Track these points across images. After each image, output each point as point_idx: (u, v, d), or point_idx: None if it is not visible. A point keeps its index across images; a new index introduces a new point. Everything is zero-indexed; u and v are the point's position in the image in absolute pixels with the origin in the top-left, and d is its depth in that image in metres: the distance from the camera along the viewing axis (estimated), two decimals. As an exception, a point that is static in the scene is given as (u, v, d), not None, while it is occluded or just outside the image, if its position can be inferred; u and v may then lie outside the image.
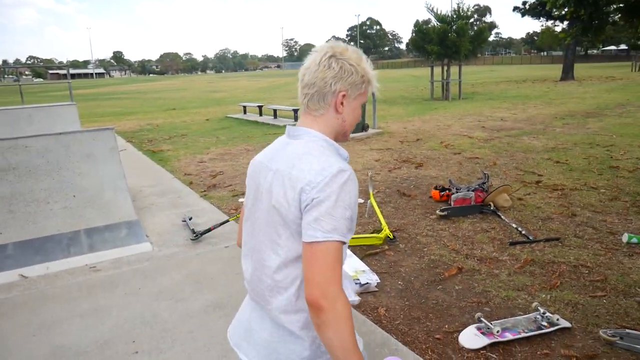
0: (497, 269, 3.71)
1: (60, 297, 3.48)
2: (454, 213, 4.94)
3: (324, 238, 1.10)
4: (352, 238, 1.34)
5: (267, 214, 1.24)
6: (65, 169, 4.66)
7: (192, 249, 4.34)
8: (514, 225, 4.56)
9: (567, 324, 2.86)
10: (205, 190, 6.40)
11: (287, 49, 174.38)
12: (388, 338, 2.82)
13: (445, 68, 19.21)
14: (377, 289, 3.45)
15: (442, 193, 5.41)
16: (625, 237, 4.12)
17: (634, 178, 6.09)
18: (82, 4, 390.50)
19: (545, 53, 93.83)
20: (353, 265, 3.75)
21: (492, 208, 4.99)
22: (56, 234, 4.44)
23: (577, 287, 3.38)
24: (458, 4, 19.29)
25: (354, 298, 3.52)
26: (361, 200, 5.41)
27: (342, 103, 1.26)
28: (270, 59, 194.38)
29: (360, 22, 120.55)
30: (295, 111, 13.41)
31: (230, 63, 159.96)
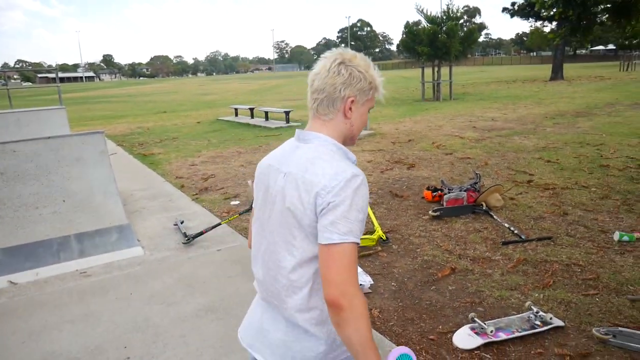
0: (490, 269, 3.72)
1: (50, 303, 3.43)
2: (447, 213, 4.94)
3: (340, 240, 1.14)
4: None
5: (281, 216, 1.28)
6: (55, 173, 4.61)
7: (184, 252, 4.30)
8: (506, 225, 4.57)
9: (560, 323, 2.87)
10: (196, 194, 6.36)
11: (278, 51, 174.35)
12: (382, 339, 2.81)
13: (436, 69, 19.29)
14: (370, 291, 3.44)
15: (435, 193, 5.42)
16: (616, 236, 4.14)
17: (624, 176, 6.14)
18: (69, 6, 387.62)
19: (534, 53, 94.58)
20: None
21: (484, 208, 5.00)
22: (45, 240, 4.38)
23: (569, 285, 3.39)
24: (448, 5, 19.34)
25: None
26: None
27: (350, 108, 1.29)
28: (261, 61, 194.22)
29: (350, 24, 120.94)
30: (287, 113, 13.41)
31: (221, 65, 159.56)
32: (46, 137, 4.64)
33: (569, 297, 3.23)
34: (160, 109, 21.41)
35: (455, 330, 2.86)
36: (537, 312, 2.91)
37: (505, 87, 24.45)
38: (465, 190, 5.19)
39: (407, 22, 20.36)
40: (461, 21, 21.07)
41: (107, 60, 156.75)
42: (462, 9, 20.49)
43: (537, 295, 3.28)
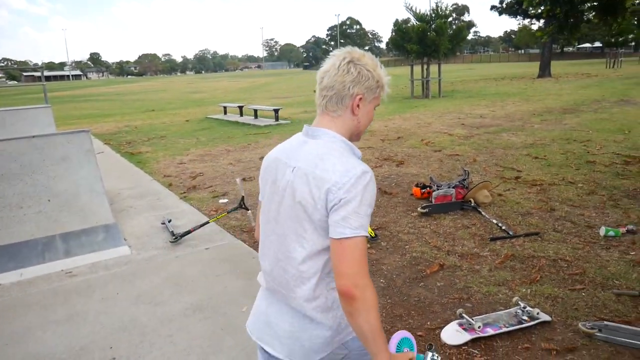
0: (478, 265, 3.73)
1: (34, 304, 3.38)
2: (435, 210, 4.96)
3: (352, 234, 1.19)
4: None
5: (291, 209, 1.32)
6: (40, 172, 4.55)
7: (172, 251, 4.27)
8: (494, 221, 4.59)
9: (547, 318, 2.89)
10: (185, 192, 6.31)
11: (267, 49, 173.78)
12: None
13: (425, 66, 19.33)
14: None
15: (423, 190, 5.43)
16: (602, 231, 4.18)
17: (610, 172, 6.20)
18: (56, 4, 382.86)
19: (522, 51, 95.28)
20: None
21: (472, 204, 5.02)
22: (30, 240, 4.32)
23: (556, 280, 3.41)
24: (437, 3, 19.32)
25: None
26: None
27: (358, 106, 1.34)
28: (250, 59, 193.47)
29: (340, 22, 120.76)
30: (276, 111, 13.36)
31: (210, 64, 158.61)
32: (30, 136, 4.57)
33: (555, 292, 3.25)
34: (149, 108, 21.24)
35: (444, 327, 2.87)
36: (524, 308, 2.93)
37: (493, 84, 24.59)
38: (453, 187, 5.20)
39: (397, 20, 20.36)
40: (450, 19, 21.14)
41: (95, 58, 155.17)
42: (451, 6, 20.58)
43: (524, 290, 3.29)
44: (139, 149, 9.92)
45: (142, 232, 4.80)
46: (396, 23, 20.16)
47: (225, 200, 5.85)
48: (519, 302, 3.00)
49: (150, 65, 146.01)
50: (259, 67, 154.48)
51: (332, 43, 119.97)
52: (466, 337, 2.72)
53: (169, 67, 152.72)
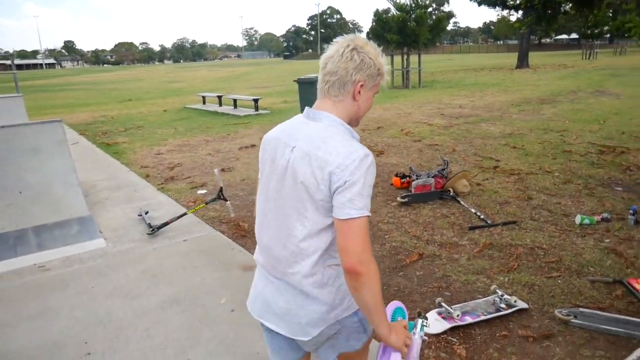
0: (457, 254, 3.76)
1: (5, 299, 3.28)
2: (415, 199, 4.97)
3: (357, 215, 1.26)
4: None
5: (293, 189, 1.36)
6: (9, 164, 4.41)
7: (149, 243, 4.19)
8: (472, 210, 4.63)
9: (524, 305, 2.92)
10: (162, 183, 6.20)
11: (247, 38, 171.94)
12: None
13: (405, 57, 19.36)
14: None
15: (403, 180, 5.44)
16: (577, 219, 4.25)
17: (585, 161, 6.31)
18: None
19: (501, 42, 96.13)
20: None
21: (451, 194, 5.05)
22: (1, 233, 4.21)
23: (533, 268, 3.46)
24: (416, -8, 19.38)
25: None
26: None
27: (359, 92, 1.39)
28: (230, 48, 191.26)
29: (320, 11, 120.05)
30: (256, 101, 13.22)
31: (188, 53, 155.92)
32: (-1, 126, 4.42)
33: (532, 279, 3.29)
34: (126, 97, 20.81)
35: (423, 316, 2.87)
36: (502, 296, 2.96)
37: (472, 74, 24.79)
38: (433, 177, 5.22)
39: (377, 10, 20.30)
40: (430, 9, 21.15)
41: (69, 46, 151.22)
42: (431, -4, 20.54)
43: (502, 278, 3.33)
44: (116, 140, 9.72)
45: (118, 224, 4.70)
46: (376, 13, 20.11)
47: (204, 191, 5.77)
48: (497, 290, 3.02)
49: (127, 54, 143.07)
50: (238, 56, 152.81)
51: (313, 33, 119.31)
52: (445, 325, 2.74)
53: (147, 56, 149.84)
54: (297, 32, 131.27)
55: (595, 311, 2.81)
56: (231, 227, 4.53)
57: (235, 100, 14.17)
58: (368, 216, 1.29)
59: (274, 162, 1.43)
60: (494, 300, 2.96)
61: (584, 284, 3.20)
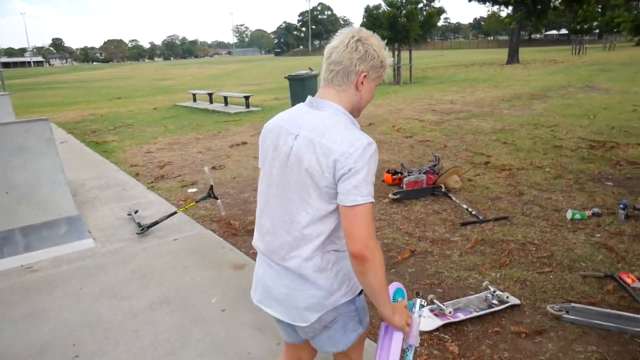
0: (448, 250, 3.75)
1: (-9, 301, 3.22)
2: (406, 196, 4.96)
3: (363, 201, 1.29)
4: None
5: (297, 176, 1.39)
6: (-5, 163, 4.33)
7: (138, 243, 4.14)
8: (464, 206, 4.62)
9: (516, 301, 2.91)
10: (152, 182, 6.14)
11: (237, 34, 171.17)
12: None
13: (396, 53, 19.35)
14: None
15: (395, 176, 5.43)
16: (569, 214, 4.26)
17: (576, 156, 6.33)
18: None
19: (491, 38, 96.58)
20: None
21: (443, 190, 5.04)
22: (-13, 234, 4.13)
23: (525, 264, 3.46)
24: (407, -12, 19.36)
25: None
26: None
27: (362, 82, 1.43)
28: (220, 45, 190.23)
29: (311, 7, 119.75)
30: (247, 98, 13.15)
31: (179, 50, 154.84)
32: (-16, 124, 4.34)
33: (524, 275, 3.29)
34: (115, 95, 20.62)
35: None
36: (494, 292, 2.95)
37: (463, 70, 24.85)
38: (424, 173, 5.21)
39: (368, 6, 20.28)
40: (420, 5, 21.15)
41: (57, 44, 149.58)
42: (421, -8, 20.53)
43: (494, 274, 3.32)
44: (105, 138, 9.62)
45: (107, 223, 4.64)
46: (367, 9, 20.09)
47: (194, 190, 5.72)
48: (489, 286, 3.02)
49: (116, 52, 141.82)
50: (229, 53, 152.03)
51: (304, 29, 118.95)
52: (437, 322, 2.72)
53: (136, 53, 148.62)
54: (288, 28, 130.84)
55: (587, 306, 2.81)
56: (222, 226, 4.49)
57: (226, 98, 14.09)
58: (372, 202, 1.32)
59: (277, 149, 1.45)
60: (486, 297, 2.95)
61: (575, 279, 3.21)
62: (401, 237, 4.03)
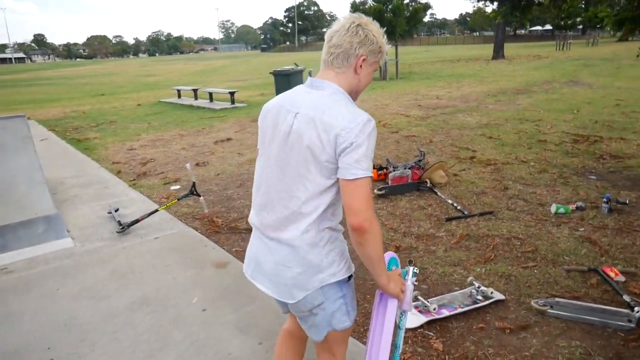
0: (434, 246, 3.72)
1: (-36, 304, 3.12)
2: (392, 191, 4.92)
3: (363, 175, 1.34)
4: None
5: (298, 153, 1.42)
6: (-31, 161, 4.20)
7: (119, 242, 4.05)
8: (449, 201, 4.60)
9: (501, 297, 2.89)
10: (134, 179, 6.03)
11: (223, 30, 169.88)
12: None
13: (382, 48, 19.34)
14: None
15: (380, 172, 5.39)
16: (553, 208, 4.26)
17: (560, 151, 6.36)
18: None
19: (477, 33, 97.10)
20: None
21: (428, 185, 5.02)
22: (-40, 234, 4.00)
23: (509, 259, 3.44)
24: (393, -17, 19.35)
25: None
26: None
27: (361, 66, 1.48)
28: (206, 41, 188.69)
29: (297, 3, 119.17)
30: (232, 94, 13.03)
31: (164, 46, 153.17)
32: (-44, 121, 4.20)
33: (509, 270, 3.27)
34: (98, 92, 20.31)
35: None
36: (478, 287, 2.93)
37: (449, 66, 24.91)
38: (410, 168, 5.19)
39: (354, 2, 20.25)
40: (406, 0, 21.16)
41: (39, 40, 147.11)
42: (407, -13, 20.52)
43: (479, 270, 3.30)
44: (87, 135, 9.44)
45: (86, 222, 4.54)
46: (353, 4, 20.08)
47: (177, 187, 5.62)
48: (474, 282, 2.99)
49: (100, 48, 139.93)
50: (215, 49, 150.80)
51: (290, 25, 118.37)
52: (422, 319, 2.69)
53: (121, 49, 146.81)
54: (274, 24, 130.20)
55: (571, 301, 2.80)
56: (204, 223, 4.42)
57: (211, 94, 13.94)
58: (371, 177, 1.37)
59: (276, 127, 1.49)
60: (470, 292, 2.93)
61: (559, 273, 3.20)
62: (386, 233, 3.99)
